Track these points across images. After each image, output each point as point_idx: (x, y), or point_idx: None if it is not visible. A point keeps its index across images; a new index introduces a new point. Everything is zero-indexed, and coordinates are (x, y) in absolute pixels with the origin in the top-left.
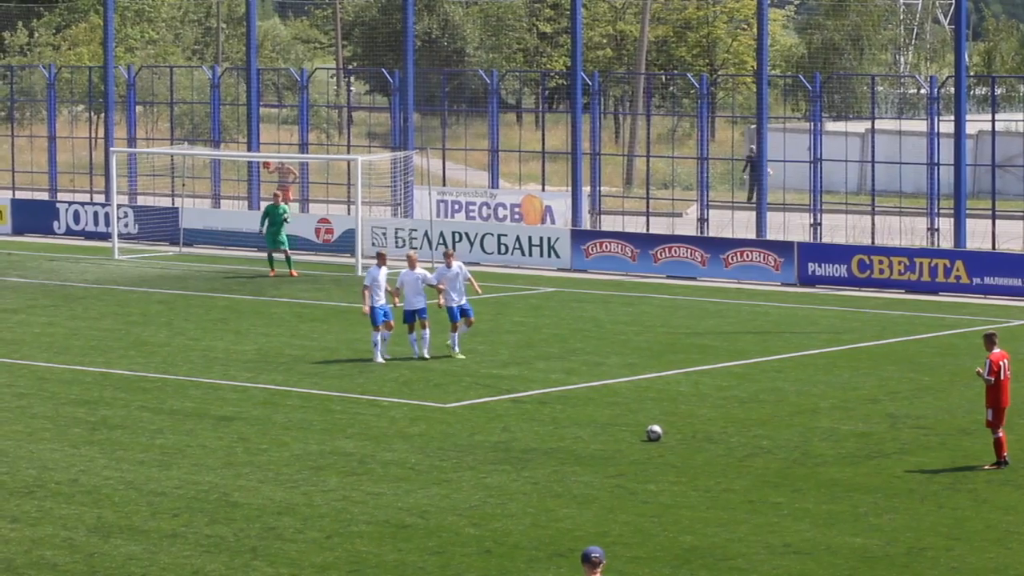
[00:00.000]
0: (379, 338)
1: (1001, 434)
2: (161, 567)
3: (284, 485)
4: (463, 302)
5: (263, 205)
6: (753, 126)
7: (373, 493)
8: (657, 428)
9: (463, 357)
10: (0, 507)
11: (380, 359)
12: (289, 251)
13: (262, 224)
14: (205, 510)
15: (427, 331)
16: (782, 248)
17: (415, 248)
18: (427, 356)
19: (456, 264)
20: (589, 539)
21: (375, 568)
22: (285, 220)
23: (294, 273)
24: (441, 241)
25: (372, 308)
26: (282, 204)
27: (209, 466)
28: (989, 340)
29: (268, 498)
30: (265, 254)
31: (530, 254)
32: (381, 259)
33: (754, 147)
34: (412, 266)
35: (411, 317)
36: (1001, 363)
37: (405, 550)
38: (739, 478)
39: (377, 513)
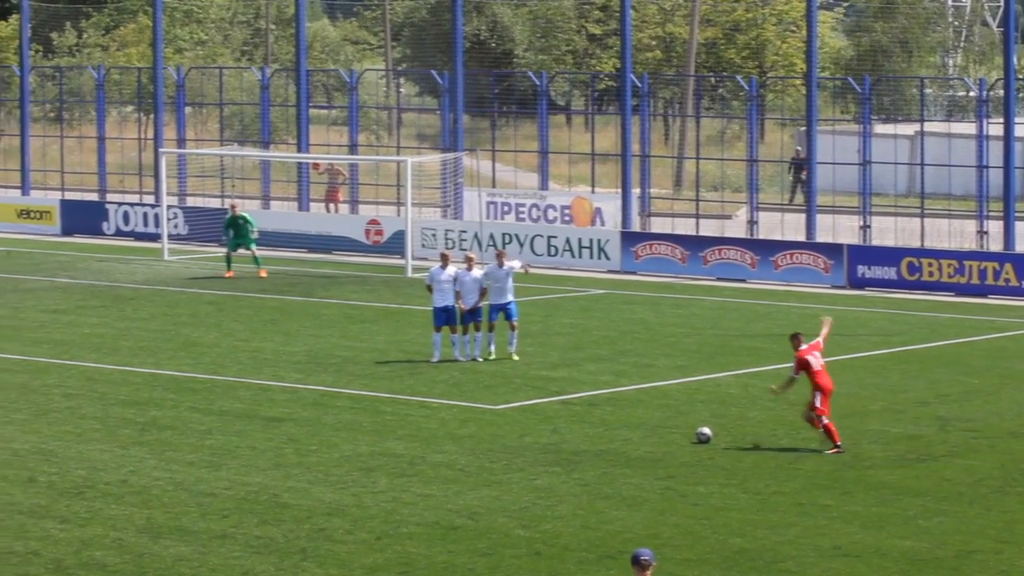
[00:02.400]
0: (439, 338)
1: (827, 421)
2: (211, 568)
3: (334, 486)
4: (505, 301)
5: (312, 206)
6: (802, 128)
7: (423, 494)
8: (707, 430)
9: (494, 358)
10: (50, 507)
11: (459, 356)
12: (256, 251)
13: (225, 232)
14: (255, 511)
15: (480, 333)
16: (832, 250)
17: (462, 250)
18: (479, 358)
19: (507, 264)
20: (638, 541)
21: (425, 569)
22: (250, 230)
23: (263, 273)
24: (491, 243)
25: (434, 308)
26: (243, 214)
27: (259, 467)
28: (795, 339)
29: (318, 499)
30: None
31: (580, 256)
32: (444, 260)
33: (800, 148)
34: (470, 267)
35: (467, 318)
36: (809, 357)
37: (455, 551)
38: (789, 481)
39: (427, 514)
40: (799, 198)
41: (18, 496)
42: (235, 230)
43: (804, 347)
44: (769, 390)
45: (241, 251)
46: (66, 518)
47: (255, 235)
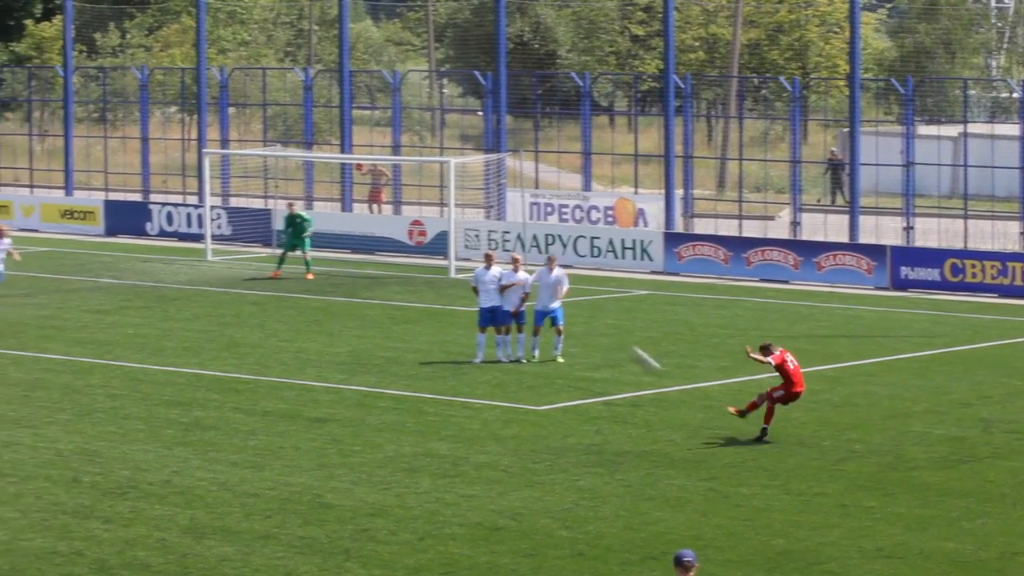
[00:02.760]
0: (483, 339)
1: (771, 404)
2: (254, 568)
3: (377, 487)
4: (553, 306)
5: (356, 207)
6: (845, 130)
7: (466, 495)
8: (644, 355)
9: (536, 360)
10: (94, 508)
11: (502, 357)
12: (308, 254)
13: (285, 231)
14: (298, 511)
15: (523, 334)
16: (875, 252)
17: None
18: (523, 359)
19: (557, 271)
20: (681, 542)
21: (468, 570)
22: (306, 228)
23: (310, 276)
24: (534, 243)
25: (480, 309)
26: (300, 212)
27: (302, 467)
28: (765, 350)
29: (361, 500)
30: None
31: (623, 257)
32: (488, 260)
33: (834, 150)
34: (516, 269)
35: (510, 319)
36: (787, 359)
37: (498, 552)
38: (832, 482)
39: (470, 515)
40: (838, 199)
41: (62, 496)
42: (292, 229)
43: (777, 353)
44: (747, 350)
45: (297, 252)
46: (110, 518)
47: (308, 235)
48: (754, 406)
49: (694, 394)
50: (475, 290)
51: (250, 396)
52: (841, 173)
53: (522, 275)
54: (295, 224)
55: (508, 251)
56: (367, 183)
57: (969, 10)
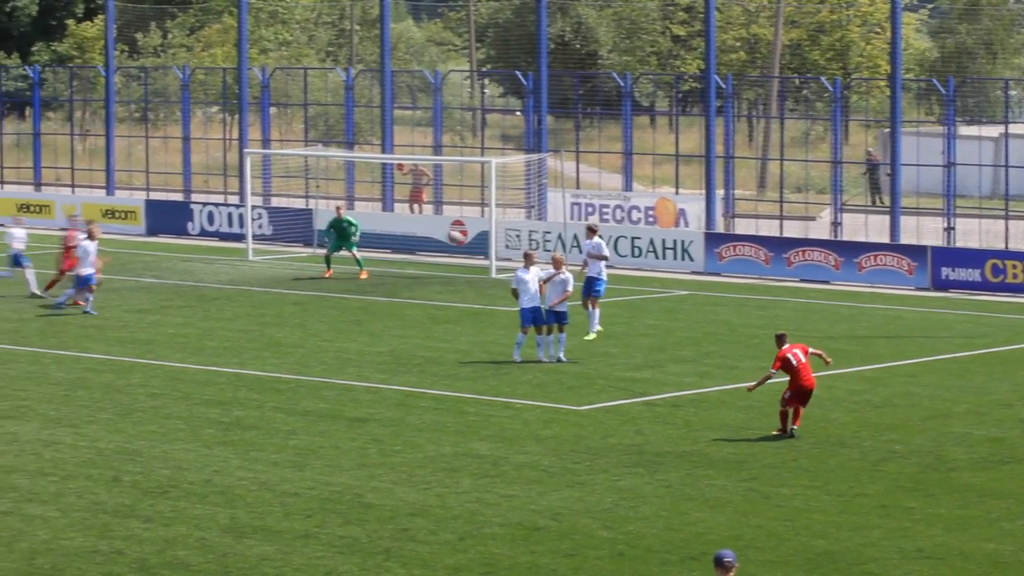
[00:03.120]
0: (523, 339)
1: (790, 408)
2: (294, 568)
3: (417, 486)
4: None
5: (397, 207)
6: (886, 130)
7: (506, 495)
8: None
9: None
10: (134, 507)
11: (543, 357)
12: (357, 253)
13: (328, 234)
14: (338, 511)
15: (564, 334)
16: (916, 252)
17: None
18: (564, 359)
19: (564, 272)
20: (722, 543)
21: (508, 570)
22: (353, 232)
23: (364, 275)
24: (575, 243)
25: (522, 309)
26: (347, 216)
27: (342, 467)
28: (781, 339)
29: (401, 499)
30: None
31: (663, 257)
32: (528, 259)
33: (871, 151)
34: (558, 267)
35: (552, 319)
36: (789, 356)
37: (538, 552)
38: (872, 483)
39: (510, 515)
40: (876, 200)
41: (103, 495)
42: (338, 232)
43: (787, 346)
44: (747, 388)
45: (342, 253)
46: (150, 517)
47: (356, 239)
48: (785, 416)
49: (735, 395)
50: (515, 292)
51: (291, 396)
52: (878, 173)
53: (565, 274)
54: (341, 228)
55: (549, 251)
56: (408, 183)
57: (1011, 11)
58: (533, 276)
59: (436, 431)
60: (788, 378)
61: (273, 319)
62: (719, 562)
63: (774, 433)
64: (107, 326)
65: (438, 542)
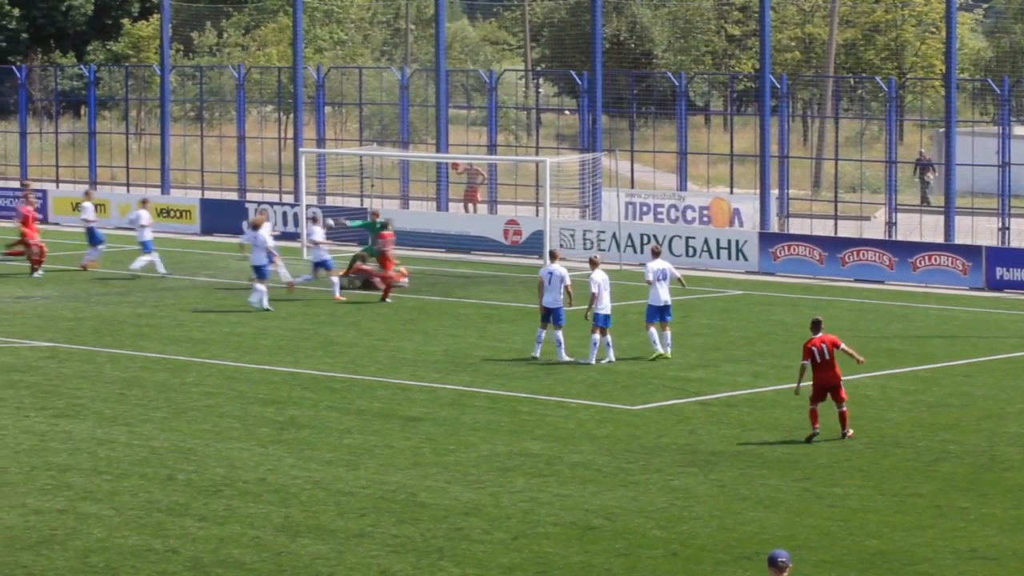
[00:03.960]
0: (598, 338)
1: (816, 407)
2: (348, 567)
3: (471, 486)
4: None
5: (451, 206)
6: (941, 130)
7: (560, 494)
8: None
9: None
10: (188, 505)
11: (592, 360)
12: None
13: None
14: (392, 510)
15: (609, 336)
16: (970, 252)
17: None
18: (613, 359)
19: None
20: (775, 542)
21: (561, 570)
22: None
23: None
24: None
25: (543, 306)
26: (382, 220)
27: (397, 466)
28: (815, 325)
29: (455, 499)
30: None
31: (718, 256)
32: (553, 257)
33: (923, 151)
34: (594, 268)
35: (604, 321)
36: (813, 348)
37: (592, 552)
38: (926, 482)
39: (564, 514)
40: (923, 199)
41: (157, 494)
42: (372, 236)
43: (818, 336)
44: (795, 391)
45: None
46: (204, 516)
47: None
48: (815, 416)
49: (788, 394)
50: (541, 286)
51: (345, 395)
52: (928, 173)
53: (599, 275)
54: (375, 230)
55: (603, 251)
56: (462, 182)
57: None
58: (558, 274)
59: (490, 430)
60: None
61: (327, 318)
62: (773, 562)
63: (808, 437)
64: (162, 325)
65: (491, 541)
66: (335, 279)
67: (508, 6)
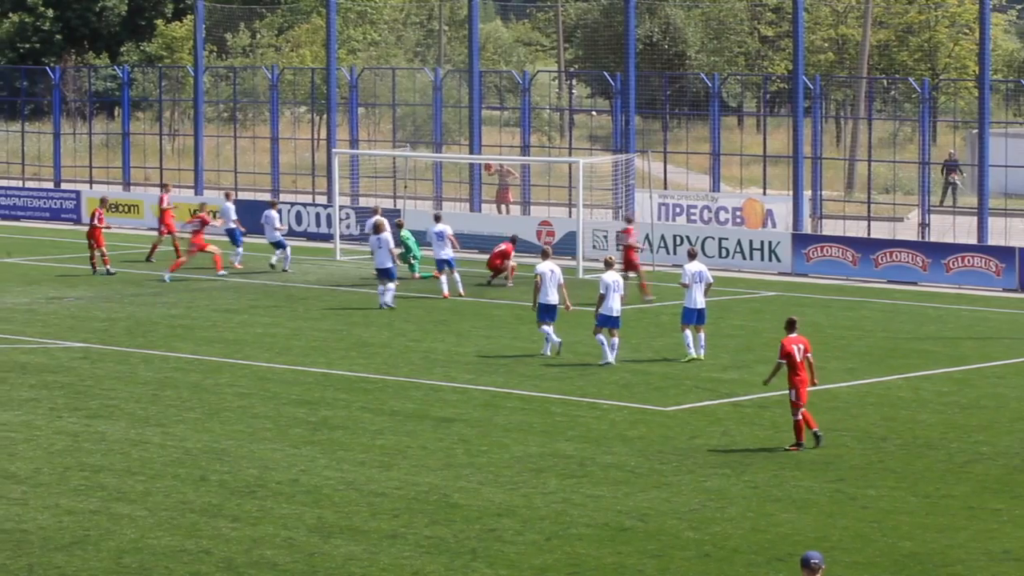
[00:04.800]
0: (604, 338)
1: (800, 416)
2: (381, 568)
3: (504, 487)
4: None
5: (484, 207)
6: (974, 131)
7: (593, 495)
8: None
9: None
10: (221, 506)
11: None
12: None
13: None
14: (425, 511)
15: (616, 339)
16: (1004, 254)
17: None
18: (612, 361)
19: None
20: (808, 544)
21: (594, 570)
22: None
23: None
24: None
25: (540, 304)
26: (406, 233)
27: (429, 467)
28: (789, 324)
29: (488, 500)
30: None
31: (751, 258)
32: (545, 255)
33: (952, 151)
34: (608, 268)
35: (614, 323)
36: (793, 347)
37: (624, 553)
38: (959, 484)
39: (597, 516)
40: (948, 199)
41: (190, 495)
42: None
43: (793, 335)
44: (764, 382)
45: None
46: (237, 517)
47: (412, 260)
48: (800, 427)
49: (821, 396)
50: (536, 286)
51: (378, 396)
52: (953, 174)
53: (610, 276)
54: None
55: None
56: (495, 183)
57: None
58: (553, 273)
59: (523, 431)
60: (788, 375)
61: (360, 319)
62: (806, 563)
63: (787, 448)
64: (195, 326)
65: (524, 542)
66: (444, 278)
67: (541, 7)
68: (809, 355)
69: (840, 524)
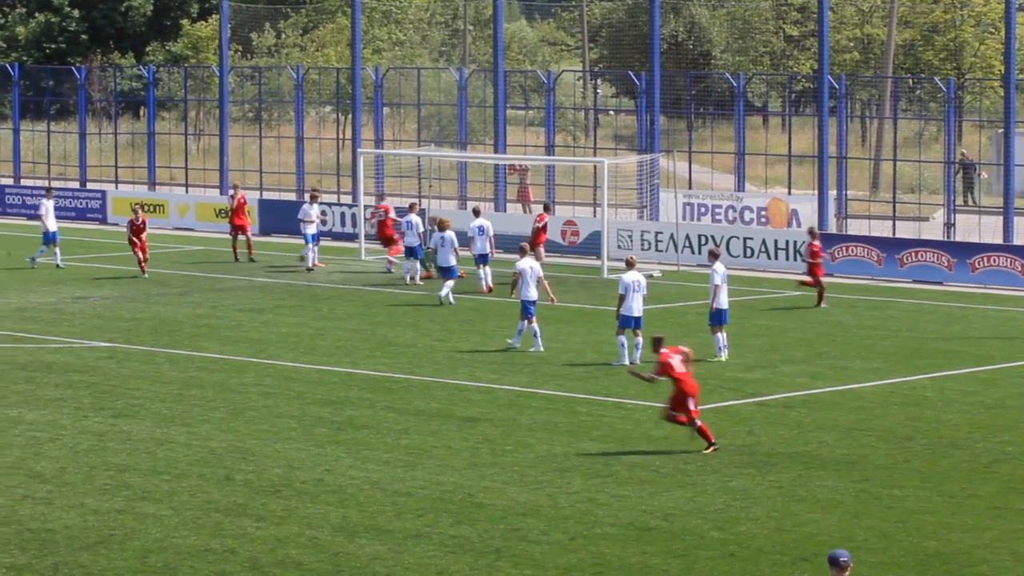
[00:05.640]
0: (524, 325)
1: (695, 422)
2: (405, 567)
3: (529, 486)
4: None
5: (509, 207)
6: (1000, 130)
7: (617, 495)
8: None
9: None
10: (246, 506)
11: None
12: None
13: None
14: (450, 511)
15: (639, 338)
16: None
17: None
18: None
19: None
20: (833, 544)
21: (619, 570)
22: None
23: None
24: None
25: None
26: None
27: (454, 467)
28: (657, 342)
29: (513, 499)
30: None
31: (776, 257)
32: (523, 252)
33: (965, 152)
34: (629, 267)
35: (635, 324)
36: (669, 360)
37: (649, 553)
38: (984, 484)
39: (621, 515)
40: (970, 200)
41: (215, 494)
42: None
43: (666, 350)
44: (629, 370)
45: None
46: (262, 516)
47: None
48: (703, 429)
49: (846, 395)
50: (514, 283)
51: (403, 395)
52: (972, 174)
53: (630, 276)
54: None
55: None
56: (515, 182)
57: None
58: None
59: (547, 431)
60: (672, 385)
61: (385, 319)
62: (835, 562)
63: (706, 452)
64: (220, 325)
65: (549, 542)
66: (483, 272)
67: (566, 7)
68: (690, 362)
69: (865, 524)
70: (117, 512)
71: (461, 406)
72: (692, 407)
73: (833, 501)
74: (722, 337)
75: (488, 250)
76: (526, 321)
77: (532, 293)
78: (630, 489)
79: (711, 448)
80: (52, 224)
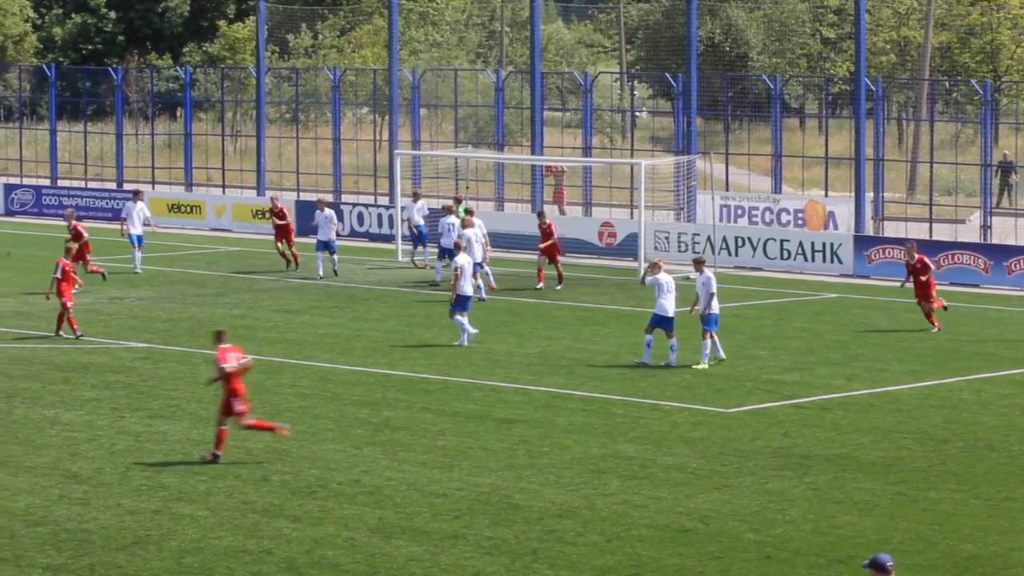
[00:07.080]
0: (675, 342)
1: (226, 428)
2: (442, 568)
3: (565, 488)
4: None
5: (546, 209)
6: None
7: (654, 497)
8: None
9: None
10: (283, 507)
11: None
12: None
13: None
14: (486, 512)
15: (673, 339)
16: None
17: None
18: (674, 363)
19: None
20: (870, 546)
21: (655, 572)
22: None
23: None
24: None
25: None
26: None
27: (490, 468)
28: (218, 337)
29: (549, 501)
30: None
31: (812, 260)
32: (655, 268)
33: (1007, 153)
34: (656, 271)
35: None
36: (224, 356)
37: (685, 555)
38: (1021, 486)
39: (658, 517)
40: (1004, 202)
41: (252, 495)
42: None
43: (223, 347)
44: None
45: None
46: (299, 517)
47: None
48: (221, 437)
49: (883, 397)
50: (456, 277)
51: (439, 396)
52: (1010, 176)
53: (663, 276)
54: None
55: (697, 253)
56: (551, 184)
57: None
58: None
59: (584, 432)
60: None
61: (422, 320)
62: (882, 567)
63: (207, 459)
64: (257, 326)
65: (585, 543)
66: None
67: (603, 8)
68: (245, 361)
69: (901, 526)
70: (153, 513)
71: (498, 407)
72: (239, 407)
73: (869, 503)
74: (710, 343)
75: (468, 248)
76: (461, 316)
77: (468, 289)
78: (666, 491)
79: (212, 456)
80: (138, 227)
